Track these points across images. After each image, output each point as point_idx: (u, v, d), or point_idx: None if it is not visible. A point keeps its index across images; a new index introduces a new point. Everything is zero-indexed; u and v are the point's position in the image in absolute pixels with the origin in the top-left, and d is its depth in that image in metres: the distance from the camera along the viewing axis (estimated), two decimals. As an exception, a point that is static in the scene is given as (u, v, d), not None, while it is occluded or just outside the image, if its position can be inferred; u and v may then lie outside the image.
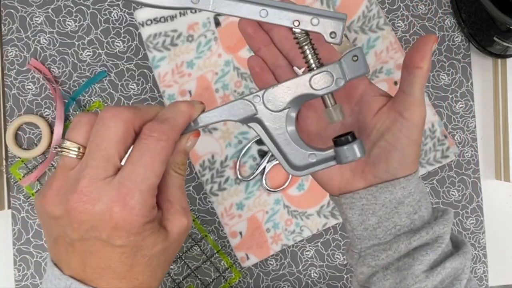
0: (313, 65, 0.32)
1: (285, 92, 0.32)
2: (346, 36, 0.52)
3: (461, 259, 0.36)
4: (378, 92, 0.38)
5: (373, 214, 0.37)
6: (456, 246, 0.38)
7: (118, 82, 0.62)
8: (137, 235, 0.29)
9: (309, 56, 0.32)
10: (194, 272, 0.62)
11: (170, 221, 0.31)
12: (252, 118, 0.33)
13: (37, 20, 0.61)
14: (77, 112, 0.61)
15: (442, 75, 0.64)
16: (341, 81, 0.31)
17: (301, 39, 0.31)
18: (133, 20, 0.62)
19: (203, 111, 0.33)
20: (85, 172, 0.29)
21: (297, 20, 0.31)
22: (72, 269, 0.31)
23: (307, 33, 0.31)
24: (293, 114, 0.33)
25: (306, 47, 0.32)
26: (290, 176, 0.60)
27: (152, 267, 0.31)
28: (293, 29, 0.31)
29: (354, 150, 0.31)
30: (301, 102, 0.33)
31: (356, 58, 0.31)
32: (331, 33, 0.31)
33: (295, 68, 0.38)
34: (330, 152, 0.32)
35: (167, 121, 0.31)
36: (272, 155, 0.60)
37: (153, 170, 0.29)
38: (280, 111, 0.32)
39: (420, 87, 0.35)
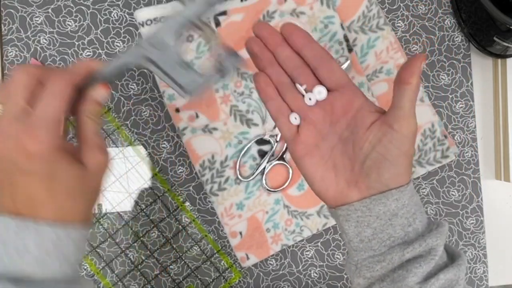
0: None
1: (166, 30, 0.37)
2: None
3: (455, 270, 0.37)
4: (374, 108, 0.39)
5: (368, 226, 0.38)
6: (452, 258, 0.39)
7: (118, 82, 0.62)
8: (49, 162, 0.33)
9: None
10: (194, 272, 0.62)
11: (86, 156, 0.36)
12: (145, 58, 0.37)
13: (37, 20, 0.61)
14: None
15: (442, 75, 0.64)
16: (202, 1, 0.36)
17: None
18: (133, 20, 0.62)
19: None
20: None
21: None
22: (6, 207, 0.34)
23: None
24: (177, 44, 0.37)
25: None
26: (290, 176, 0.60)
27: (73, 196, 0.35)
28: None
29: (232, 63, 0.36)
30: (182, 31, 0.38)
31: None
32: None
33: (297, 85, 0.40)
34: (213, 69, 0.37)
35: (66, 70, 0.36)
36: (272, 156, 0.60)
37: (55, 107, 0.34)
38: (166, 47, 0.37)
39: (409, 100, 0.36)
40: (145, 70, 0.62)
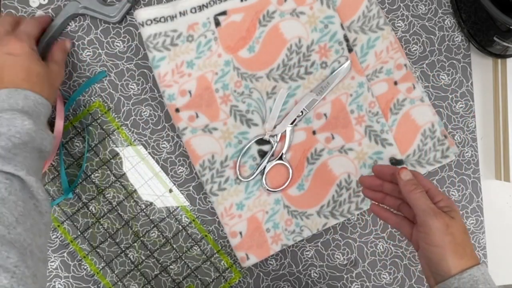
0: None
1: None
2: None
3: None
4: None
5: None
6: None
7: (118, 82, 0.62)
8: (28, 54, 0.52)
9: None
10: (194, 272, 0.62)
11: (50, 63, 0.55)
12: (77, 7, 0.60)
13: (37, 20, 0.61)
14: (77, 112, 0.61)
15: (442, 75, 0.64)
16: None
17: None
18: (133, 20, 0.62)
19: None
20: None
21: None
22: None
23: None
24: None
25: None
26: (290, 176, 0.60)
27: (40, 80, 0.52)
28: None
29: None
30: None
31: None
32: None
33: None
34: None
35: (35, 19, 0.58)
36: (272, 156, 0.60)
37: (32, 27, 0.55)
38: None
39: (415, 204, 0.46)
40: (145, 70, 0.62)
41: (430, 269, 0.46)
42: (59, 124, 0.59)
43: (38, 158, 0.48)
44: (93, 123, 0.61)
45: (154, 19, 0.58)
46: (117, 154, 0.61)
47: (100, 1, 0.60)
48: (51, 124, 0.61)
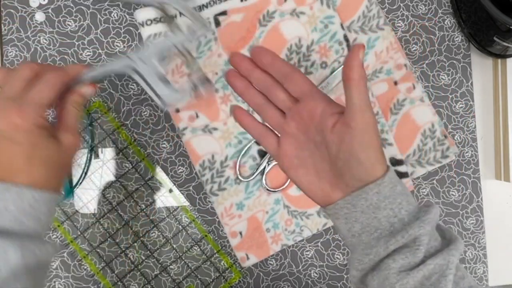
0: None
1: (154, 49, 0.45)
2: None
3: (444, 255, 0.37)
4: (335, 109, 0.41)
5: (356, 221, 0.39)
6: (448, 243, 0.39)
7: (118, 82, 0.62)
8: (31, 134, 0.40)
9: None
10: (194, 272, 0.62)
11: (62, 135, 0.43)
12: (132, 69, 0.45)
13: (37, 20, 0.61)
14: (77, 112, 0.61)
15: (442, 75, 0.64)
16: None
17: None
18: (133, 20, 0.62)
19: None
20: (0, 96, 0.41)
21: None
22: None
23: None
24: (163, 63, 0.45)
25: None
26: (290, 176, 0.60)
27: (47, 165, 0.41)
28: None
29: (205, 88, 0.45)
30: (166, 54, 0.46)
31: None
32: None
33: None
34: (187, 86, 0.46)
35: (61, 69, 0.44)
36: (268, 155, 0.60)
37: (44, 93, 0.41)
38: (151, 63, 0.45)
39: (358, 95, 0.38)
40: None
41: (344, 177, 0.39)
42: None
43: (37, 275, 0.39)
44: (93, 123, 0.61)
45: (154, 19, 0.58)
46: (117, 154, 0.61)
47: (161, 77, 0.45)
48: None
